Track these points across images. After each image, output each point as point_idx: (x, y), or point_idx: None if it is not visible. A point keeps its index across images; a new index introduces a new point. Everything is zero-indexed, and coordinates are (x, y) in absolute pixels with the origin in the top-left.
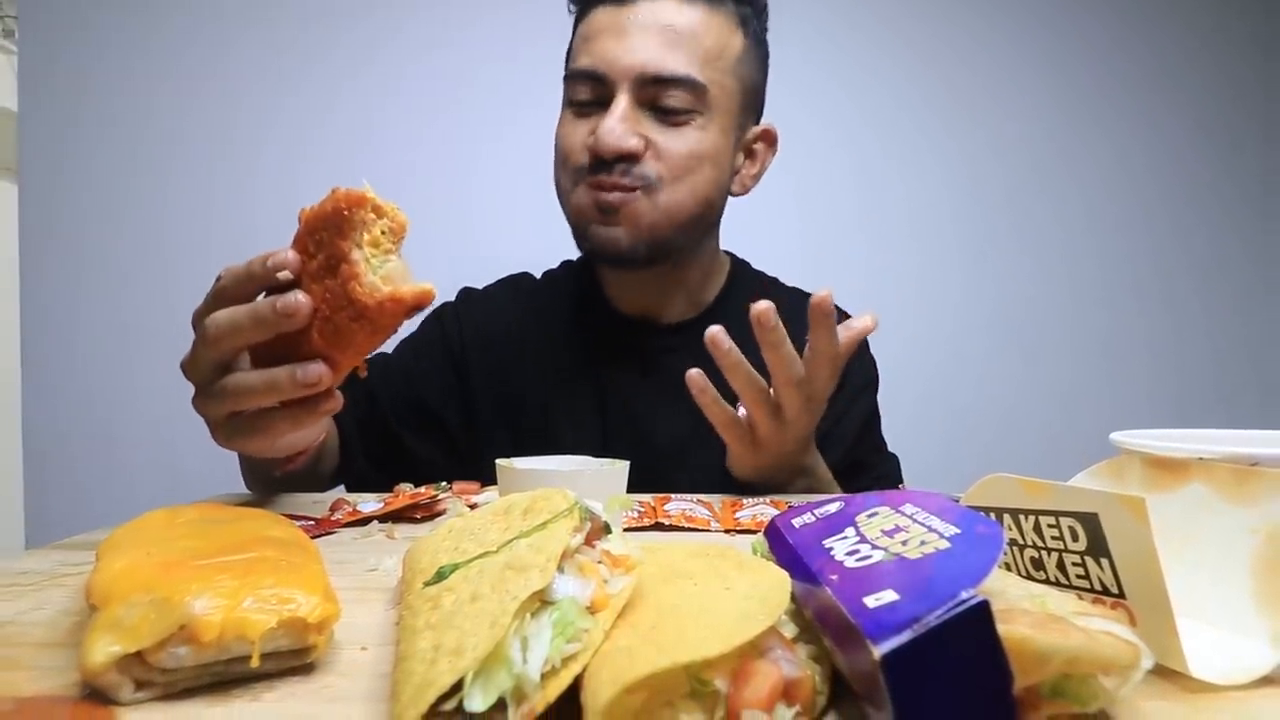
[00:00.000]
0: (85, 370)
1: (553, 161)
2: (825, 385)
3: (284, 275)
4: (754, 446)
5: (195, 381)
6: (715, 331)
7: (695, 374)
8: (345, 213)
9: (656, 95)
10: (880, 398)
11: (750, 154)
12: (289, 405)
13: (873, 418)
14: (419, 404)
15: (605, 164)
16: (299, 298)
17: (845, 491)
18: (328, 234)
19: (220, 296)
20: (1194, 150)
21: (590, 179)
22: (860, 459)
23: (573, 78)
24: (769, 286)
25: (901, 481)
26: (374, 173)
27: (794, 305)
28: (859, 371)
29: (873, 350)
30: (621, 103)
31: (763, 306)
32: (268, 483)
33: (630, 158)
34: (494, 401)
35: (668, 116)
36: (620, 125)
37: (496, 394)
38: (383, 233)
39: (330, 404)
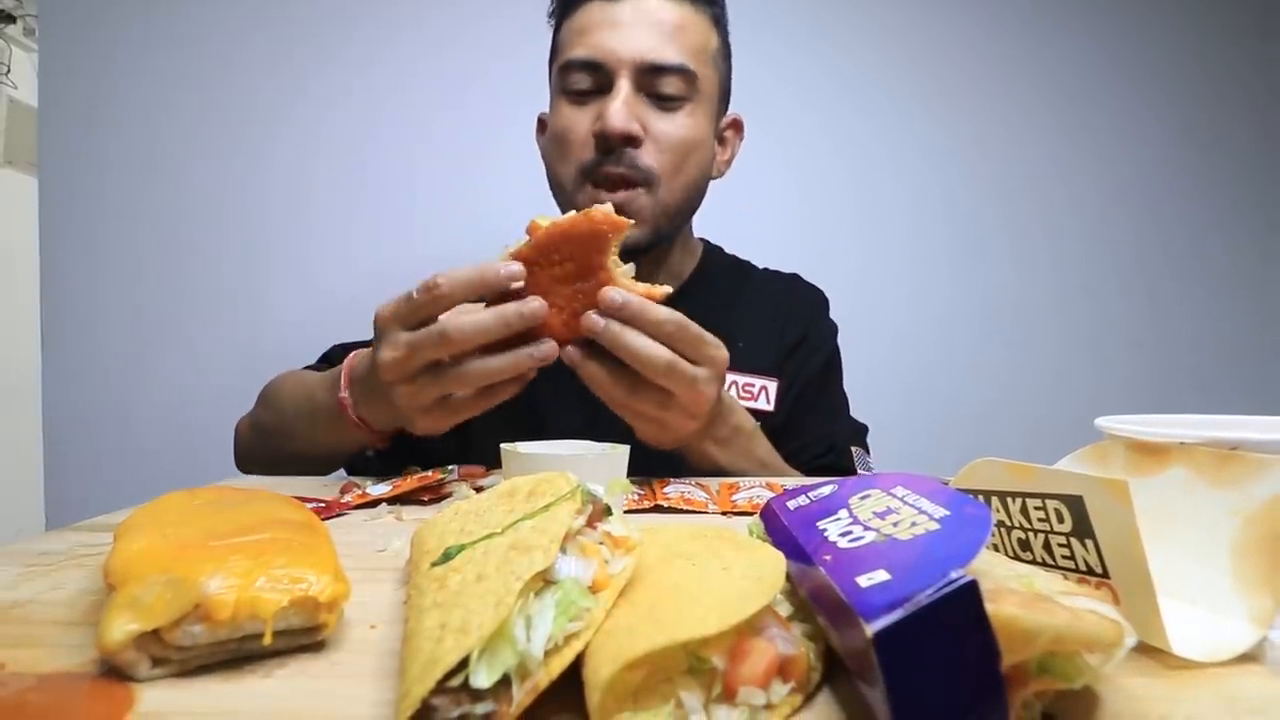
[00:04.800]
0: (104, 357)
1: (547, 154)
2: (669, 358)
3: (518, 285)
4: (659, 424)
5: (400, 377)
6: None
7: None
8: (608, 234)
9: (653, 83)
10: (873, 385)
11: (722, 141)
12: (495, 385)
13: (824, 376)
14: None
15: (609, 150)
16: (538, 304)
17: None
18: (581, 247)
19: (440, 301)
20: (1176, 147)
21: (596, 174)
22: (803, 411)
23: (570, 67)
24: (739, 268)
25: (854, 448)
26: (384, 169)
27: (764, 287)
28: (812, 341)
29: (866, 340)
30: (624, 89)
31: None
32: (338, 459)
33: (632, 141)
34: None
35: (662, 103)
36: (624, 109)
37: None
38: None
39: (520, 386)
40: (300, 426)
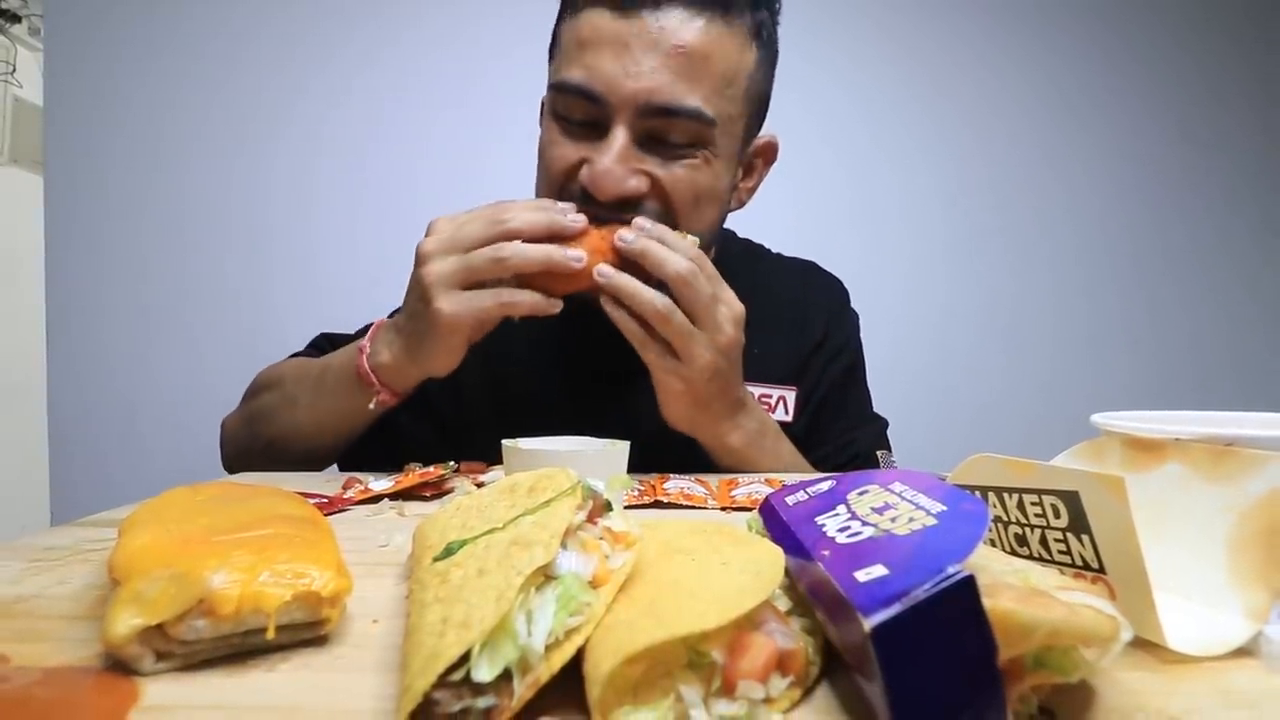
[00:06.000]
0: (108, 354)
1: (536, 178)
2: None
3: (579, 226)
4: (683, 358)
5: (439, 251)
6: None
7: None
8: None
9: (659, 128)
10: (873, 382)
11: (749, 168)
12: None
13: (847, 379)
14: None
15: (599, 203)
16: (582, 256)
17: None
18: None
19: (503, 225)
20: (1171, 147)
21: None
22: (826, 420)
23: (563, 90)
24: (750, 254)
25: (882, 450)
26: (384, 167)
27: (778, 277)
28: (834, 341)
29: (865, 338)
30: (620, 138)
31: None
32: (340, 437)
33: (627, 203)
34: (481, 385)
35: (670, 151)
36: (619, 166)
37: (484, 378)
38: None
39: (538, 308)
40: (304, 397)
